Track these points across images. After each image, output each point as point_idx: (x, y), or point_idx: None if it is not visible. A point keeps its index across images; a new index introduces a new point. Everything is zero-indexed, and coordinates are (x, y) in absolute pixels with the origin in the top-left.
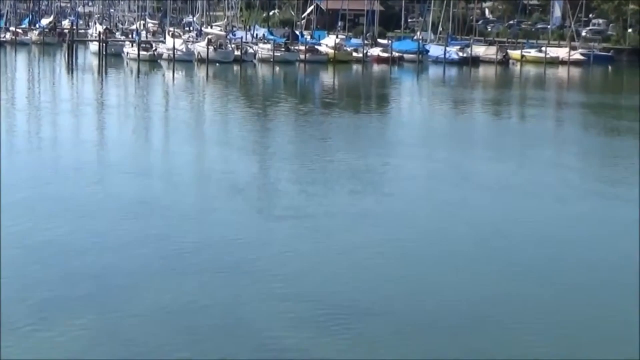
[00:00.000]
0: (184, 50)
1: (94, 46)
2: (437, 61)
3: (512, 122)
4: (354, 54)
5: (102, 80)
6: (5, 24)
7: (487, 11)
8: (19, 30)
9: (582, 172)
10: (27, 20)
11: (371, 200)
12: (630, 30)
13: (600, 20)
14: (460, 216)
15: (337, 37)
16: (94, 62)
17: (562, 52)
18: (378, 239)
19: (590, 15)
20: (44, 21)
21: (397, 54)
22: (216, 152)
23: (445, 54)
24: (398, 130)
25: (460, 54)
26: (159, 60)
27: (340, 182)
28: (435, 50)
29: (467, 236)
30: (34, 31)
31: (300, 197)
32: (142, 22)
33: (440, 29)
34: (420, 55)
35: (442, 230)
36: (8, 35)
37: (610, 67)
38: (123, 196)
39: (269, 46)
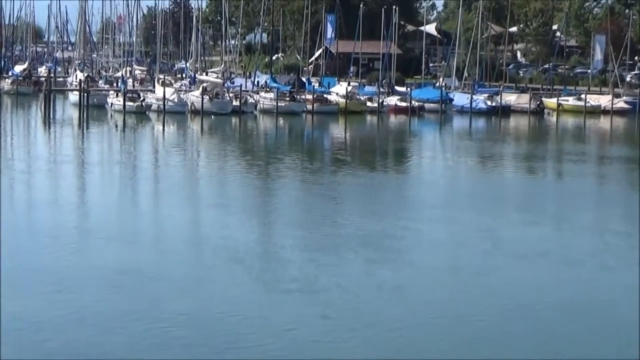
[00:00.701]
0: (176, 100)
1: (74, 96)
2: (462, 111)
3: (549, 181)
4: (368, 103)
5: (83, 134)
6: None
7: (519, 54)
8: None
9: (629, 236)
10: None
11: (389, 270)
12: None
13: None
14: (491, 290)
15: (349, 84)
16: (74, 114)
17: (604, 100)
18: (396, 316)
19: (636, 58)
20: (18, 68)
21: (417, 103)
22: (212, 215)
23: (471, 102)
24: (419, 191)
25: (489, 102)
26: (147, 112)
27: (353, 249)
28: (460, 98)
29: (499, 315)
30: (7, 79)
31: (308, 267)
32: (129, 68)
33: (465, 74)
34: (443, 105)
35: (470, 307)
36: None
37: None
38: (105, 266)
39: (271, 95)
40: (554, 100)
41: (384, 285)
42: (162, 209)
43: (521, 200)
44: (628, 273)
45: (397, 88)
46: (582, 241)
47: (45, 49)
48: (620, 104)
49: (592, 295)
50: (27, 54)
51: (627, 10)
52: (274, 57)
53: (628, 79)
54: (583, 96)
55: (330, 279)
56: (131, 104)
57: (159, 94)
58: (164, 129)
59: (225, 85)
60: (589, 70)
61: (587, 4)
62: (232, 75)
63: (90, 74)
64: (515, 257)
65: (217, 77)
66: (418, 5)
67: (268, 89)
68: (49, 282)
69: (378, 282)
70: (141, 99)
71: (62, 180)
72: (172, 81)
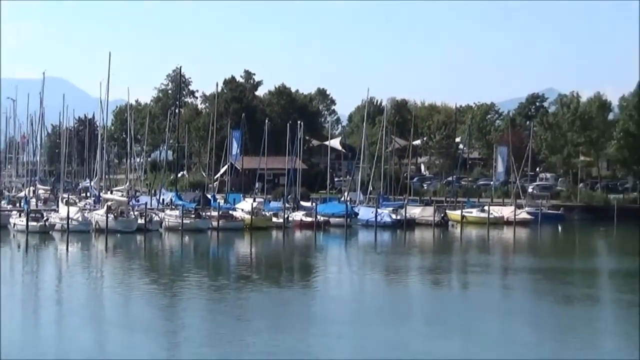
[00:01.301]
0: (80, 219)
1: None
2: (367, 225)
3: (454, 293)
4: (274, 219)
5: None
6: None
7: (422, 167)
8: None
9: (536, 347)
10: None
11: None
12: (581, 185)
13: (549, 175)
14: None
15: (254, 200)
16: None
17: (507, 211)
18: None
19: (537, 170)
20: None
21: (322, 218)
22: (117, 337)
23: (376, 216)
24: (325, 306)
25: (394, 216)
26: (51, 232)
27: None
28: (365, 212)
29: None
30: None
31: None
32: (32, 188)
33: (370, 188)
34: (348, 219)
35: None
36: None
37: (560, 227)
38: None
39: (177, 212)
40: (458, 212)
41: None
42: (68, 332)
43: (428, 313)
44: None
45: (303, 203)
46: (491, 353)
47: None
48: (522, 214)
49: None
50: None
51: (527, 122)
52: (179, 174)
53: (530, 189)
54: (486, 208)
55: None
56: (34, 223)
57: (63, 213)
58: (67, 249)
59: (130, 203)
60: (491, 182)
61: (488, 116)
62: (137, 193)
63: None
64: None
65: (122, 196)
66: (323, 120)
67: (173, 207)
68: None
69: None
70: (44, 218)
71: None
72: (77, 200)
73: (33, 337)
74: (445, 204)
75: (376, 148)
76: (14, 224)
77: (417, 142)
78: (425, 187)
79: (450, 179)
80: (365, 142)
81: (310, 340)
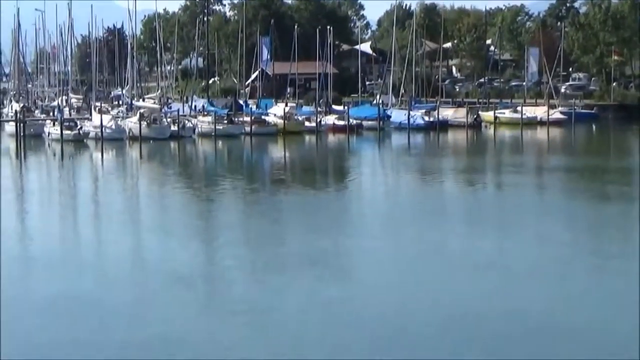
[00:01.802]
0: (114, 127)
1: (10, 127)
2: (400, 127)
3: (489, 193)
4: (307, 123)
5: (20, 165)
6: None
7: (454, 69)
8: None
9: (574, 245)
10: None
11: (336, 288)
12: (614, 84)
13: (581, 75)
14: (443, 304)
15: (286, 105)
16: (11, 144)
17: (540, 112)
18: (343, 335)
19: (570, 70)
20: None
21: (355, 122)
22: (154, 240)
23: (409, 119)
24: (361, 208)
25: (426, 118)
26: (85, 140)
27: (298, 269)
28: (397, 115)
29: (446, 325)
30: None
31: (254, 287)
32: (65, 97)
33: (402, 91)
34: (381, 122)
35: (418, 319)
36: None
37: (594, 126)
38: (49, 295)
39: (209, 119)
40: (491, 113)
41: (330, 303)
42: (105, 235)
43: (464, 213)
44: (577, 282)
45: (335, 107)
46: (528, 252)
47: None
48: (556, 114)
49: (543, 304)
50: None
51: (558, 23)
52: (210, 81)
53: (563, 90)
54: (519, 108)
55: (275, 300)
56: (68, 132)
57: (96, 121)
58: (102, 157)
59: (163, 110)
60: (523, 83)
61: (519, 18)
62: (169, 101)
63: (26, 104)
64: (465, 269)
65: (154, 103)
66: (352, 25)
67: (205, 113)
68: None
69: (324, 300)
70: (78, 127)
71: (4, 210)
72: (109, 108)
73: (72, 241)
74: (478, 105)
75: (407, 51)
76: (49, 133)
77: (448, 44)
78: (457, 89)
79: (482, 80)
80: (395, 46)
81: (346, 242)
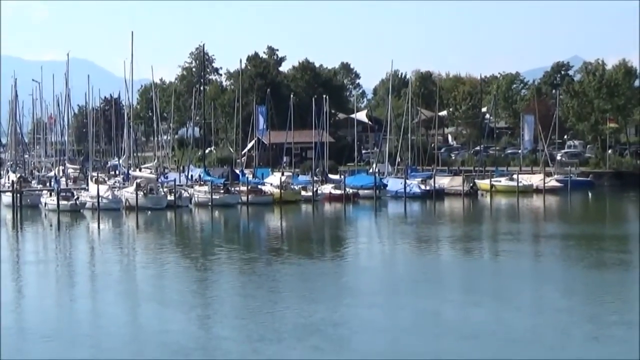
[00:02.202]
0: (110, 197)
1: (6, 197)
2: (397, 196)
3: (486, 261)
4: (303, 192)
5: (17, 235)
6: None
7: (449, 137)
8: None
9: (572, 313)
10: None
11: (331, 356)
12: (609, 151)
13: (577, 142)
14: None
15: (282, 174)
16: (8, 215)
17: (536, 180)
18: None
19: (565, 137)
20: None
21: (351, 191)
22: (150, 310)
23: (405, 187)
24: (357, 277)
25: (423, 186)
26: (81, 210)
27: (296, 338)
28: (394, 183)
29: None
30: None
31: (250, 355)
32: (61, 167)
33: (398, 159)
34: (377, 191)
35: None
36: None
37: (590, 194)
38: None
39: (206, 188)
40: (487, 181)
41: None
42: (101, 307)
43: (459, 281)
44: (579, 350)
45: (331, 176)
46: (527, 319)
47: None
48: (552, 182)
49: None
50: None
51: (553, 91)
52: (206, 151)
53: (559, 157)
54: (515, 176)
55: None
56: (65, 202)
57: (93, 191)
58: (99, 227)
59: (159, 180)
60: (519, 151)
61: (514, 85)
62: (166, 170)
63: (23, 175)
64: (464, 339)
65: (151, 173)
66: (348, 93)
67: (202, 183)
68: None
69: None
70: (75, 197)
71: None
72: (106, 178)
73: (68, 312)
74: (474, 174)
75: (402, 120)
76: (45, 203)
77: (443, 113)
78: (453, 157)
79: (477, 148)
80: (391, 114)
81: (343, 311)
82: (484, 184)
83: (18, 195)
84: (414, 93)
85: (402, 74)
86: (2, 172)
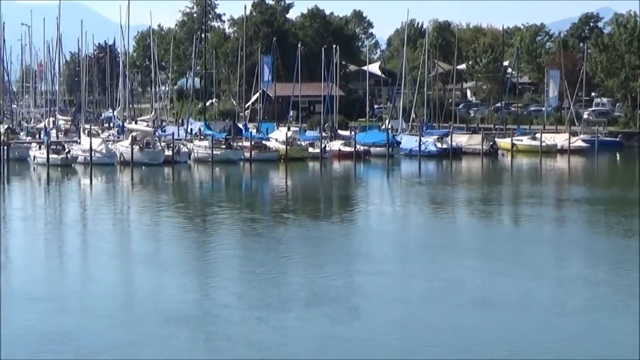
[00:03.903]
0: (104, 151)
1: None
2: (411, 155)
3: (505, 226)
4: (310, 149)
5: (3, 191)
6: None
7: (468, 93)
8: None
9: (597, 283)
10: None
11: (340, 326)
12: None
13: (605, 100)
14: (456, 345)
15: (288, 129)
16: None
17: (560, 139)
18: None
19: (593, 94)
20: None
21: (362, 148)
22: (146, 274)
23: (420, 145)
24: (368, 241)
25: (439, 144)
26: (73, 165)
27: (304, 306)
28: (408, 141)
29: None
30: None
31: (255, 328)
32: (52, 119)
33: (413, 115)
34: (390, 149)
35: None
36: None
37: (618, 155)
38: (31, 332)
39: (206, 143)
40: (508, 140)
41: (337, 343)
42: (93, 269)
43: (477, 247)
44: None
45: (341, 132)
46: (548, 290)
47: None
48: (577, 142)
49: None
50: None
51: (581, 44)
52: (207, 103)
53: (585, 116)
54: (538, 135)
55: (280, 340)
56: (55, 156)
57: (85, 145)
58: (91, 183)
59: (156, 134)
60: (543, 108)
61: (538, 38)
62: (164, 123)
63: (11, 126)
64: (480, 308)
65: (148, 126)
66: (360, 44)
67: (202, 137)
68: None
69: (330, 340)
70: (66, 150)
71: None
72: (99, 131)
73: (58, 273)
74: (494, 132)
75: (418, 73)
76: (34, 157)
77: (462, 66)
78: (472, 114)
79: (498, 105)
80: (406, 67)
81: (353, 278)
82: (504, 143)
83: (5, 147)
84: (430, 44)
85: (418, 23)
86: None
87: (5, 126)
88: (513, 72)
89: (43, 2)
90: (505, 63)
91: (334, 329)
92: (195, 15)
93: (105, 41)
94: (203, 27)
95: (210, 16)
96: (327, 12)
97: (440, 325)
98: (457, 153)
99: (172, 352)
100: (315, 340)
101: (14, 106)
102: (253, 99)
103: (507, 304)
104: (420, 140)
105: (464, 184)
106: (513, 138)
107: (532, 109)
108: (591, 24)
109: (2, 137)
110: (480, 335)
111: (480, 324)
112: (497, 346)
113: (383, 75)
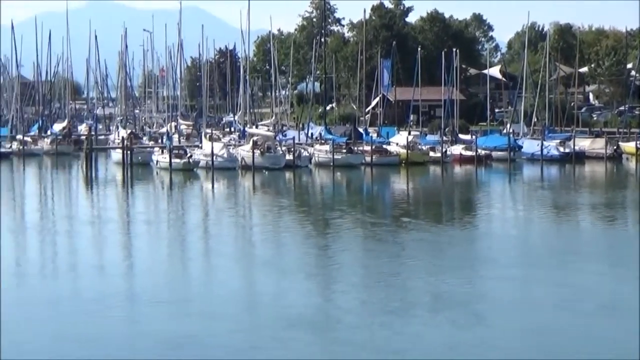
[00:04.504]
0: (225, 155)
1: (116, 154)
2: (532, 159)
3: (632, 231)
4: (431, 153)
5: (127, 194)
6: (11, 132)
7: (591, 96)
8: (28, 139)
9: None
10: (36, 126)
11: (465, 332)
12: None
13: None
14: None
15: (409, 133)
16: (118, 173)
17: None
18: None
19: None
20: (57, 127)
21: (483, 152)
22: (268, 278)
23: (542, 149)
24: (491, 246)
25: (561, 149)
26: (195, 169)
27: (428, 311)
28: (529, 145)
29: None
30: (45, 139)
31: (380, 333)
32: (174, 123)
33: (534, 119)
34: (512, 153)
35: None
36: (15, 145)
37: None
38: (156, 335)
39: (327, 147)
40: (632, 144)
41: (466, 350)
42: (216, 272)
43: (602, 253)
44: None
45: (461, 136)
46: None
47: (85, 106)
48: None
49: None
50: (66, 111)
51: None
52: (327, 107)
53: None
54: None
55: (406, 346)
56: (178, 160)
57: (207, 149)
58: (213, 187)
59: (277, 138)
60: None
61: None
62: (284, 128)
63: (134, 131)
64: (609, 317)
65: (268, 130)
66: (480, 47)
67: (323, 141)
68: (98, 351)
69: (458, 346)
70: (188, 155)
71: (108, 243)
72: (220, 136)
73: (179, 277)
74: (618, 136)
75: (539, 76)
76: (157, 161)
77: (584, 69)
78: (595, 118)
79: (622, 108)
80: (527, 70)
81: (477, 282)
82: (628, 147)
83: (128, 152)
84: (552, 47)
85: (539, 26)
86: (111, 128)
87: (129, 131)
88: (637, 75)
89: (164, 8)
90: (629, 65)
91: (459, 335)
92: (314, 19)
93: (225, 46)
94: (323, 31)
95: (329, 20)
96: (447, 16)
97: (568, 332)
98: (579, 157)
99: (295, 357)
100: (441, 346)
101: (137, 111)
102: (373, 103)
103: (636, 311)
104: (542, 144)
105: (587, 188)
106: (638, 142)
107: None
108: None
109: (125, 141)
110: (610, 343)
111: (608, 330)
112: (627, 353)
113: (504, 79)
